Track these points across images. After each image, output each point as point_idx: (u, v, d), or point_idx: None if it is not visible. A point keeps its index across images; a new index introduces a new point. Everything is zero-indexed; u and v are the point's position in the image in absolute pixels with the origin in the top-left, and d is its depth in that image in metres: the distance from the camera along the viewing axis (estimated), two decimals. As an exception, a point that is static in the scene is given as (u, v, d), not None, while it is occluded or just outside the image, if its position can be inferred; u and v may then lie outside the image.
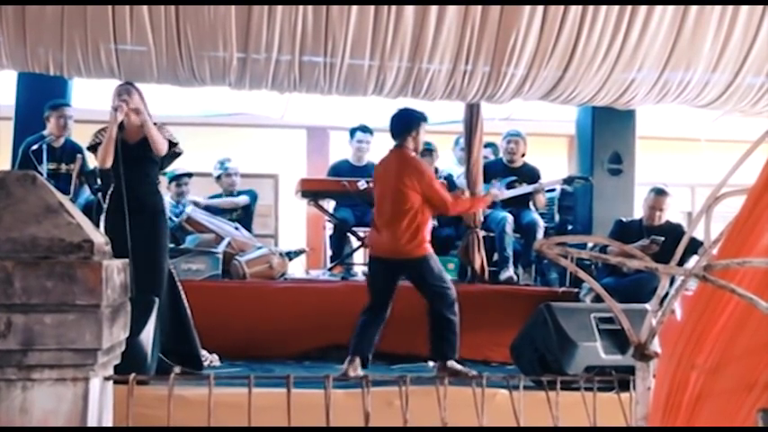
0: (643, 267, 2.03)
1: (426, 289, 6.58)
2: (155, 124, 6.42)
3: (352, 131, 9.14)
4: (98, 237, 2.80)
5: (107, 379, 2.92)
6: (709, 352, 1.89)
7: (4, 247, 2.65)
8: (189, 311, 6.49)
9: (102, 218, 6.25)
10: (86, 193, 7.72)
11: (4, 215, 2.70)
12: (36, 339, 2.64)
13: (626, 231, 7.57)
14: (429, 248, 6.62)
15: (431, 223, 6.71)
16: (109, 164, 6.24)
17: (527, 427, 3.36)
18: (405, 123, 6.67)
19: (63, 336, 2.66)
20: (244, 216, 9.24)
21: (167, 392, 3.03)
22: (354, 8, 6.89)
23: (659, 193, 7.68)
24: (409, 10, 6.97)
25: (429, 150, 6.86)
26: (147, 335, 5.43)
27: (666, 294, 2.22)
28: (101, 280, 2.68)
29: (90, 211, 6.49)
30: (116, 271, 2.86)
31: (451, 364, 6.47)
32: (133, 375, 2.95)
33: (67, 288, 2.65)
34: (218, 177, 9.24)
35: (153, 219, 6.40)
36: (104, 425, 2.92)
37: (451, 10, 7.01)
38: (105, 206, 6.29)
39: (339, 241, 9.13)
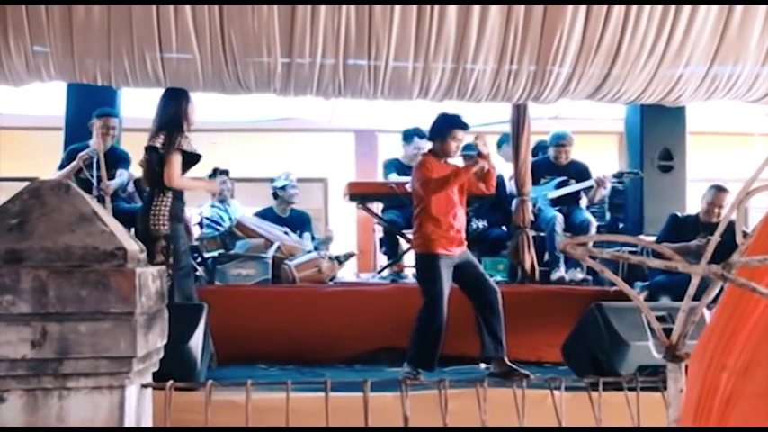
0: (663, 267, 1.99)
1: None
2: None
3: (409, 136, 9.06)
4: (132, 244, 2.81)
5: (144, 386, 2.93)
6: (740, 352, 1.84)
7: (39, 256, 2.67)
8: None
9: (168, 223, 6.24)
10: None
11: (38, 224, 2.72)
12: (71, 348, 2.66)
13: (681, 227, 7.48)
14: (426, 247, 6.47)
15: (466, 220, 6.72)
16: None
17: (548, 426, 3.32)
18: (432, 128, 6.73)
19: (98, 344, 2.67)
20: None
21: (217, 398, 3.05)
22: (397, 10, 6.86)
23: (719, 189, 7.55)
24: (452, 10, 6.92)
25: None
26: (197, 341, 5.46)
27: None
28: (134, 287, 2.69)
29: (129, 217, 6.54)
30: (151, 278, 2.86)
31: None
32: (171, 382, 2.96)
33: (101, 296, 2.67)
34: (283, 188, 9.19)
35: (186, 226, 6.48)
36: (143, 432, 2.94)
37: (494, 9, 6.94)
38: (168, 213, 6.26)
39: (390, 244, 9.10)
